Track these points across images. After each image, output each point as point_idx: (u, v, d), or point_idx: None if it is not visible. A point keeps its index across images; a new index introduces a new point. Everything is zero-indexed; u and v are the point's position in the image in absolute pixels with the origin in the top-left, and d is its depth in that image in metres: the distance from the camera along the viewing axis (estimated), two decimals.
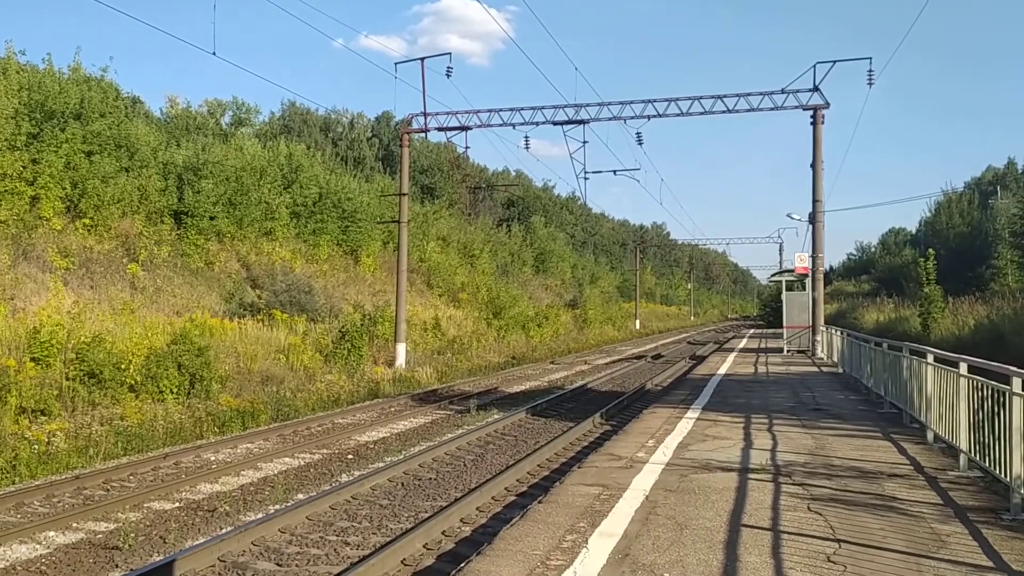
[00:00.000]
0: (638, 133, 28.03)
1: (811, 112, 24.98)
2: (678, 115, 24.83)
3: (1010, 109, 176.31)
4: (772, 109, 24.49)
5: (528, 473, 11.32)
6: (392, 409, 18.06)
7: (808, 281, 27.70)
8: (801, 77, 25.69)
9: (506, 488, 10.32)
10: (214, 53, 46.95)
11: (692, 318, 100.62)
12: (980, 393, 7.72)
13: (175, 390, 15.48)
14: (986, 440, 7.49)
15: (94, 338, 15.13)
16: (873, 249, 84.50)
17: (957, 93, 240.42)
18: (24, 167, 20.61)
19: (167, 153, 28.03)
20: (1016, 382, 6.55)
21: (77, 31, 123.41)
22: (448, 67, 25.11)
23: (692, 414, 12.93)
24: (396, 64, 26.51)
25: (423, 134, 28.78)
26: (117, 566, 7.55)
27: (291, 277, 26.98)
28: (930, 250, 38.91)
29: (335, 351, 22.06)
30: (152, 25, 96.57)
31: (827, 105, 24.76)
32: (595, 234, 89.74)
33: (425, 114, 26.03)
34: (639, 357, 35.56)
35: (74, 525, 8.72)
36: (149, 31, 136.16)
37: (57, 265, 20.26)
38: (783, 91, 24.47)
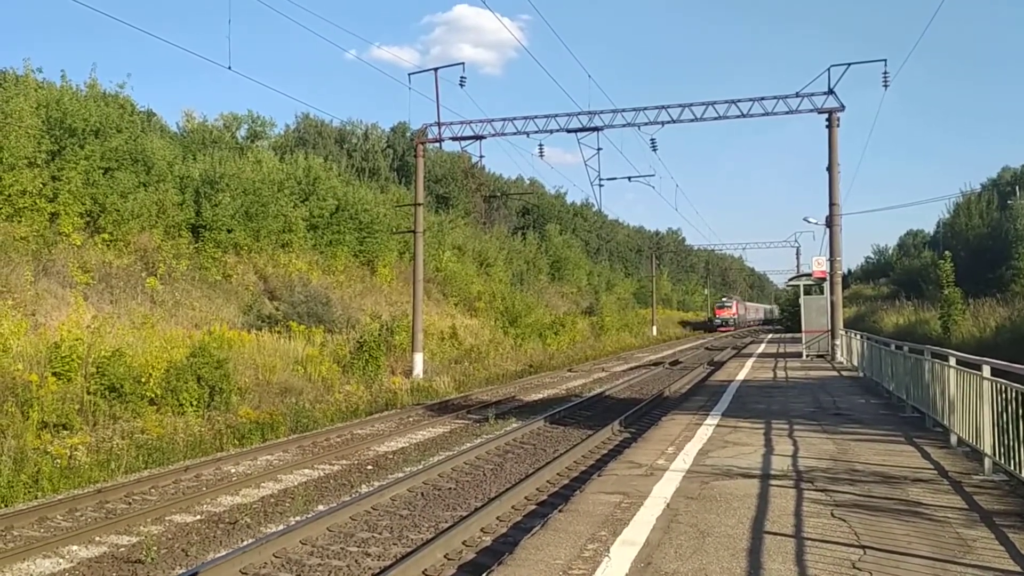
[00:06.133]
0: (652, 139, 28.02)
1: (826, 115, 24.88)
2: (692, 120, 24.80)
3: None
4: (787, 113, 24.42)
5: (548, 482, 11.29)
6: (410, 419, 18.08)
7: (826, 285, 27.54)
8: (816, 80, 25.59)
9: (526, 497, 10.30)
10: (229, 67, 47.57)
11: None
12: (1004, 396, 7.63)
13: (195, 403, 15.57)
14: (1011, 443, 7.40)
15: (114, 352, 15.24)
16: (891, 252, 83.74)
17: (971, 96, 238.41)
18: (44, 184, 20.84)
19: (184, 167, 28.25)
20: None
21: (94, 48, 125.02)
22: (461, 77, 25.17)
23: (712, 420, 12.85)
24: (409, 75, 26.89)
25: (437, 144, 28.86)
26: None
27: (308, 288, 27.10)
28: (947, 252, 38.56)
29: (353, 362, 22.12)
30: (168, 41, 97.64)
31: (842, 108, 24.65)
32: (610, 241, 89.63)
33: (439, 124, 26.12)
34: (657, 364, 35.45)
35: (97, 539, 8.78)
36: (165, 47, 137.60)
37: (77, 280, 20.44)
38: (798, 95, 24.39)
